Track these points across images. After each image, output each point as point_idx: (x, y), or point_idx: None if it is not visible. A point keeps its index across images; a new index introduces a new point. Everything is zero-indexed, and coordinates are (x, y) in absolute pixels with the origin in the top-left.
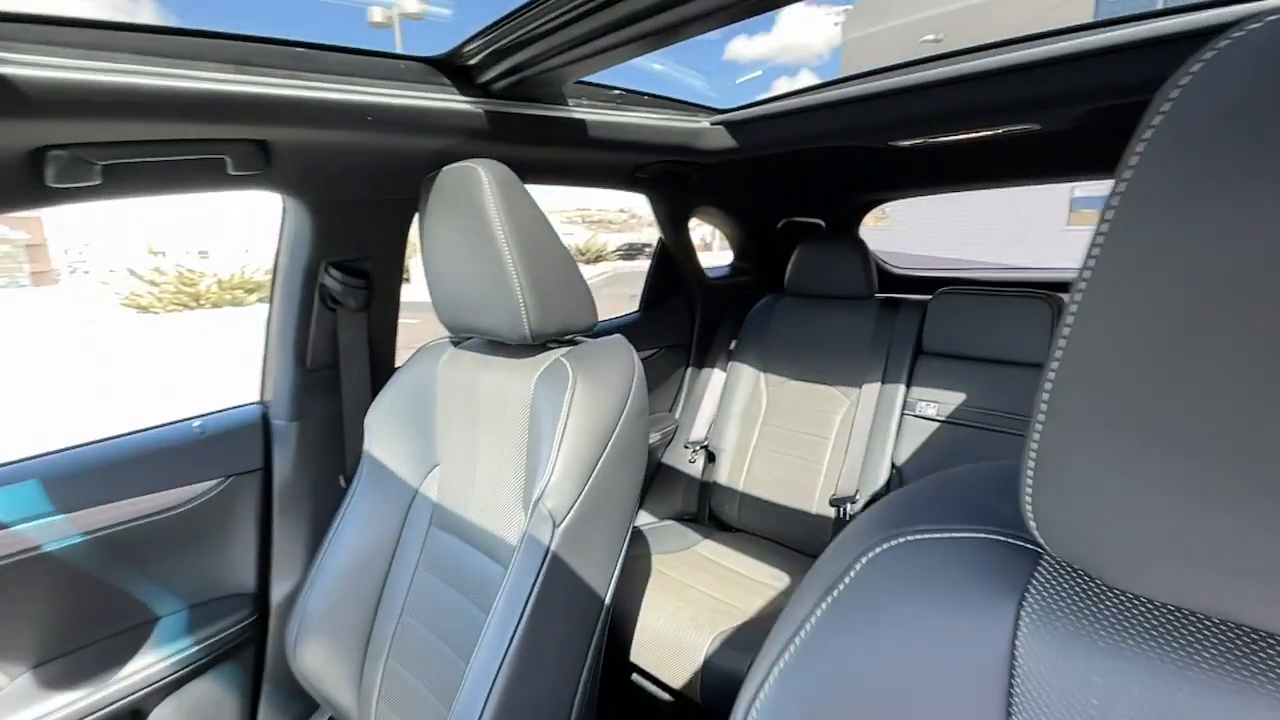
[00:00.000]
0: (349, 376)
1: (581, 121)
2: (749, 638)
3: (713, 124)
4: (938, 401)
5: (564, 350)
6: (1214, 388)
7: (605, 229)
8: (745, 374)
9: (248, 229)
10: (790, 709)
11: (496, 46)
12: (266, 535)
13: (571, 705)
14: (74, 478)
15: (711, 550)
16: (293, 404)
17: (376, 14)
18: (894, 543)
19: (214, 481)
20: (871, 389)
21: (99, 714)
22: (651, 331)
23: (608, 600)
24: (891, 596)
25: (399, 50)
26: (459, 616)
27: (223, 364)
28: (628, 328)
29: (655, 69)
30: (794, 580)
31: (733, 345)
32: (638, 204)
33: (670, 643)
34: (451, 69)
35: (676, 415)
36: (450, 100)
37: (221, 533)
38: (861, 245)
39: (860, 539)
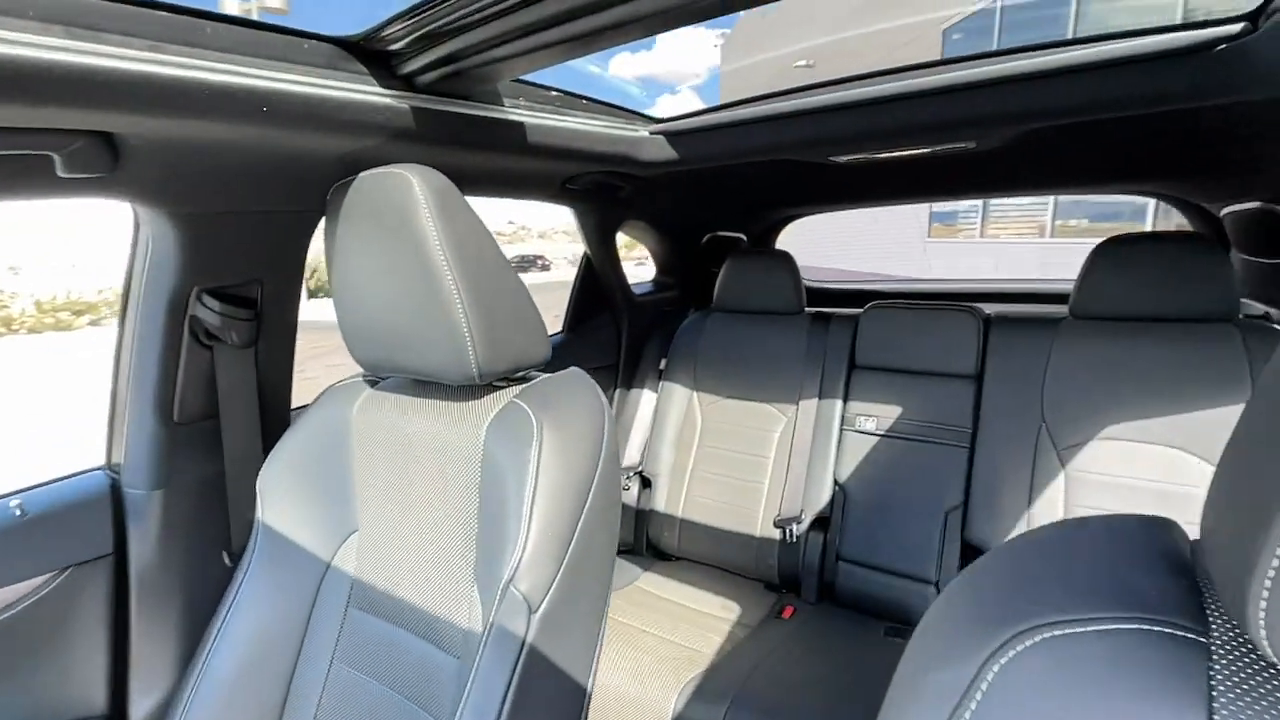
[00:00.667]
0: (233, 428)
1: (520, 125)
2: (717, 684)
3: (652, 133)
4: (875, 415)
5: (516, 390)
6: None
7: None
8: (678, 394)
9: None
10: None
11: (424, 31)
12: (122, 639)
13: None
14: None
15: (654, 584)
16: (155, 468)
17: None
18: (1029, 642)
19: (42, 578)
20: (809, 405)
21: None
22: (579, 352)
23: (589, 689)
24: None
25: (296, 27)
26: (389, 709)
27: (36, 408)
28: (556, 350)
29: (592, 71)
30: (744, 610)
31: (662, 364)
32: (527, 216)
33: (634, 701)
34: (367, 54)
35: None
36: (367, 92)
37: (57, 643)
38: (789, 260)
39: (977, 634)
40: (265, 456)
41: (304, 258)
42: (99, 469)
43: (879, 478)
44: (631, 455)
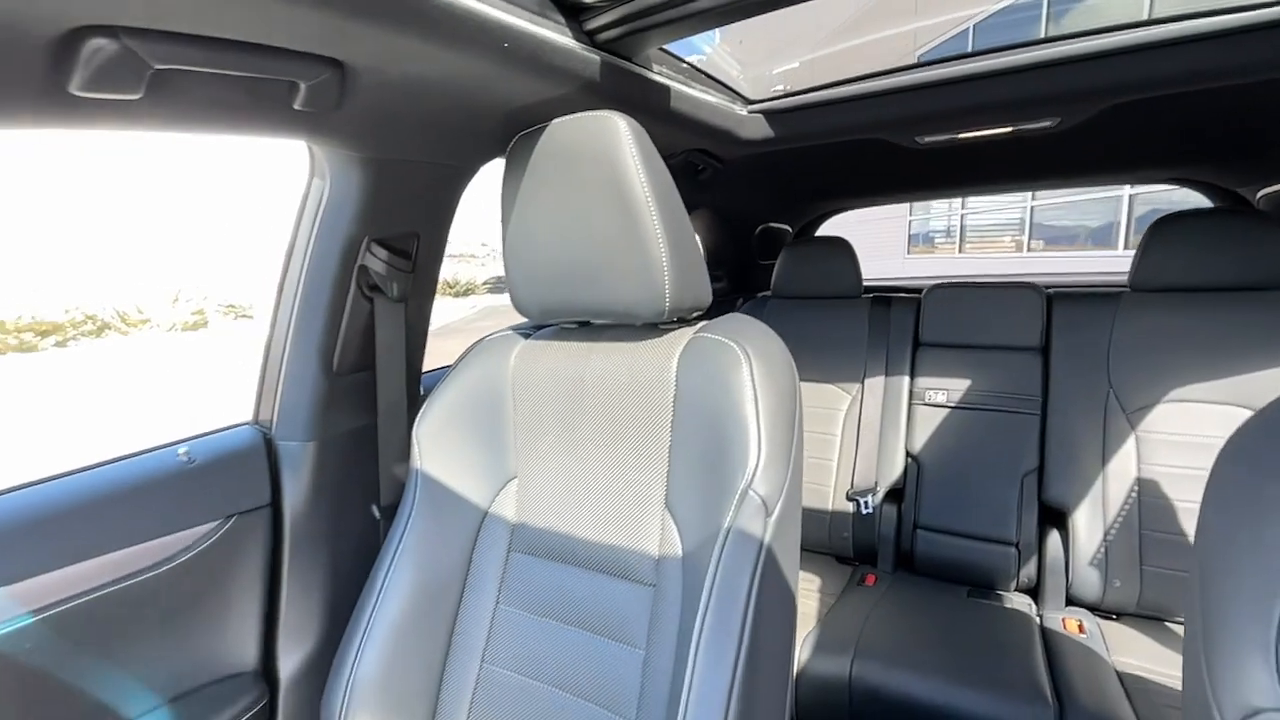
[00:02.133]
0: (386, 381)
1: (666, 89)
2: (834, 637)
3: (750, 113)
4: (945, 389)
5: (695, 328)
6: None
7: (466, 262)
8: None
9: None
10: None
11: None
12: (274, 592)
13: (784, 713)
14: (11, 535)
15: None
16: (311, 420)
17: None
18: None
19: (208, 526)
20: (875, 383)
21: None
22: None
23: (798, 598)
24: None
25: None
26: (580, 656)
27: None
28: None
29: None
30: (823, 581)
31: None
32: (497, 238)
33: None
34: (565, 6)
35: None
36: (566, 42)
37: (216, 594)
38: (849, 246)
39: None
40: (412, 409)
41: (453, 214)
42: (247, 424)
43: (953, 447)
44: None
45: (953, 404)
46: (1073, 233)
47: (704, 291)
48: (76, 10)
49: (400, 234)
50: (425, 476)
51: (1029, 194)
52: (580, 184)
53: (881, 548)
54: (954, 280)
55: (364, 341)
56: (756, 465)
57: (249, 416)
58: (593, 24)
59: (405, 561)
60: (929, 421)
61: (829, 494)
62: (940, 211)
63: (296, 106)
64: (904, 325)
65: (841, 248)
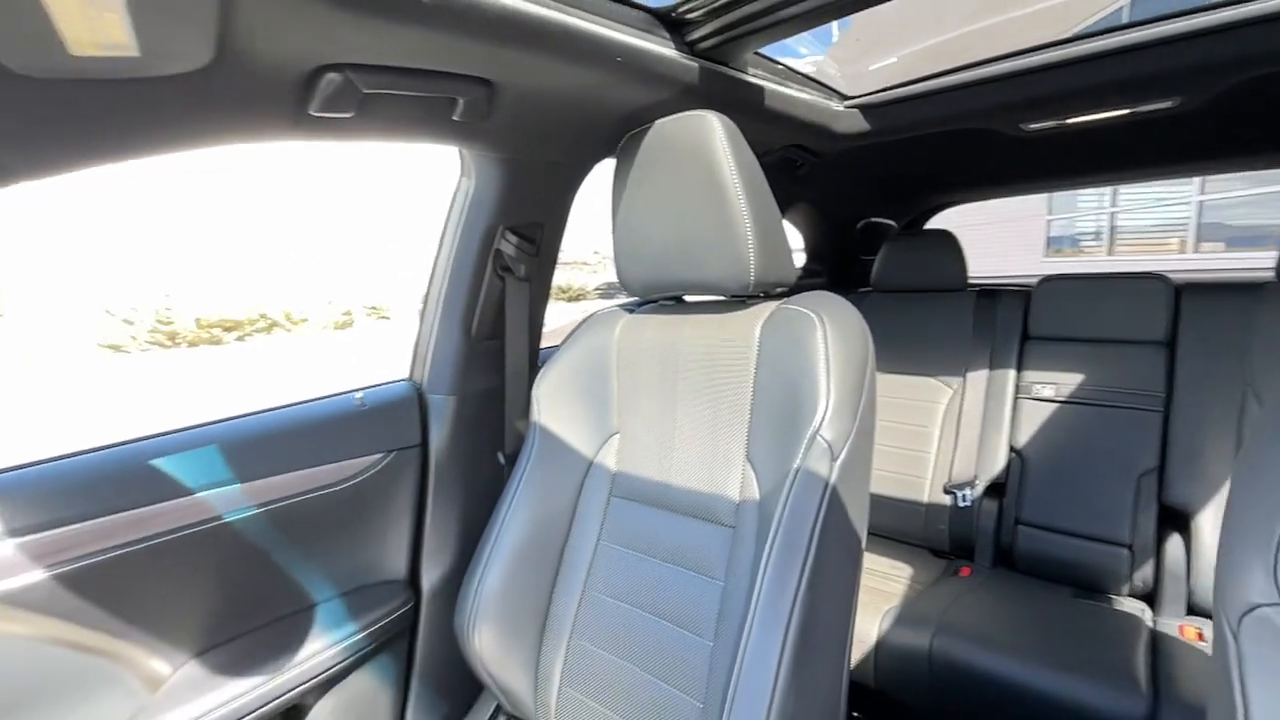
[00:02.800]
0: (513, 347)
1: (760, 89)
2: (917, 613)
3: (846, 107)
4: (1054, 383)
5: (778, 301)
6: None
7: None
8: None
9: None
10: None
11: (715, 4)
12: (420, 517)
13: (844, 657)
14: (245, 447)
15: None
16: (453, 377)
17: None
18: None
19: (376, 456)
20: (977, 376)
21: (261, 710)
22: None
23: (864, 544)
24: None
25: None
26: (668, 586)
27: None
28: None
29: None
30: (915, 571)
31: None
32: (609, 245)
33: None
34: (669, 22)
35: None
36: (668, 53)
37: (379, 512)
38: (954, 239)
39: None
40: (532, 373)
41: (570, 206)
42: (404, 380)
43: (1061, 443)
44: None
45: (1062, 399)
46: (1261, 233)
47: (787, 270)
48: (320, 54)
49: (528, 223)
50: (542, 430)
51: (1195, 189)
52: (679, 175)
53: (979, 542)
54: (1068, 273)
55: (496, 314)
56: (825, 414)
57: (406, 374)
58: (693, 35)
59: (522, 501)
60: (1035, 416)
61: (925, 486)
62: (1089, 208)
63: (455, 118)
64: (1011, 319)
65: (945, 241)
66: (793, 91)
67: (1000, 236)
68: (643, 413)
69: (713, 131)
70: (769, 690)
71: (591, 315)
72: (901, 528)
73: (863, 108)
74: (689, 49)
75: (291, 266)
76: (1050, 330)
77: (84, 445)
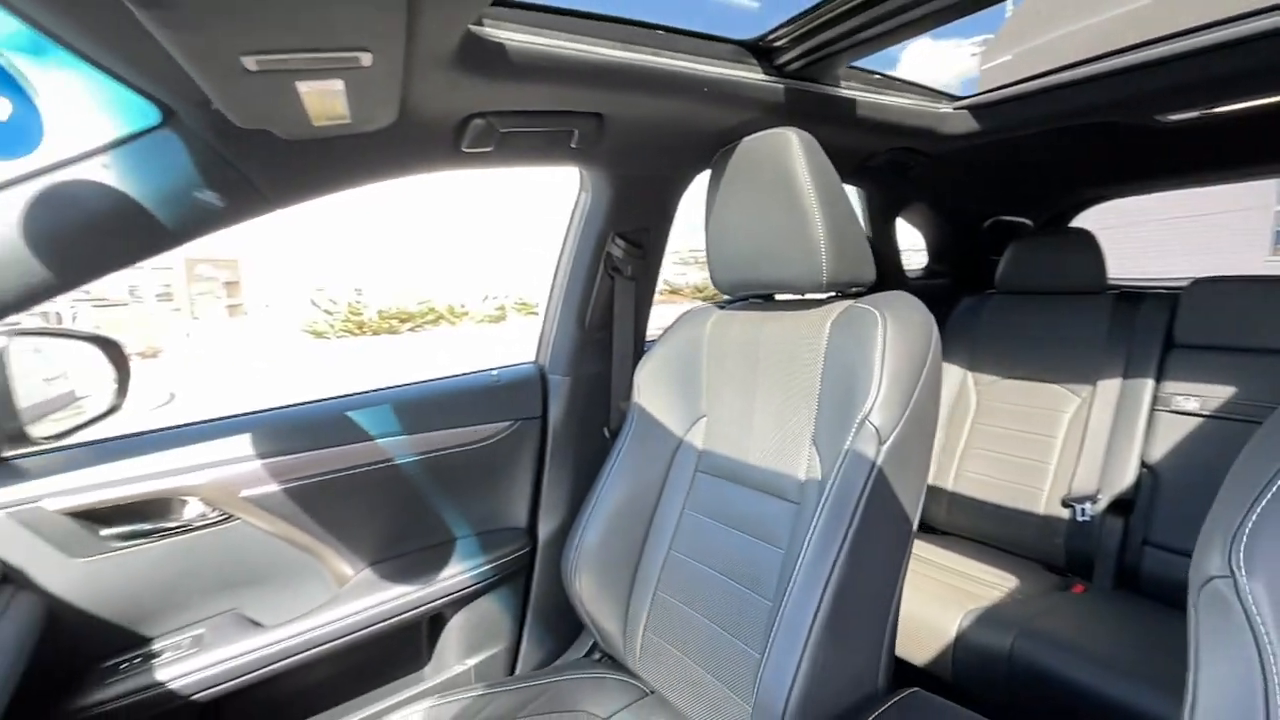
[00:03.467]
0: (620, 337)
1: (851, 101)
2: (1002, 616)
3: (956, 109)
4: (1200, 395)
5: (852, 300)
6: None
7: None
8: (951, 374)
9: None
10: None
11: (801, 30)
12: (539, 477)
13: (884, 636)
14: (410, 407)
15: (924, 551)
16: (568, 361)
17: None
18: None
19: (505, 424)
20: (1109, 385)
21: (413, 612)
22: None
23: (915, 525)
24: None
25: (714, 33)
26: (738, 551)
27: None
28: None
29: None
30: (1022, 583)
31: None
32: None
33: (915, 618)
34: (756, 50)
35: None
36: (754, 78)
37: (506, 470)
38: (1090, 238)
39: None
40: (635, 360)
41: (674, 213)
42: (530, 363)
43: (1204, 460)
44: None
45: (1207, 413)
46: None
47: (861, 271)
48: (469, 107)
49: (634, 229)
50: (640, 411)
51: None
52: (761, 187)
53: (1100, 560)
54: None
55: (605, 308)
56: (875, 401)
57: (532, 358)
58: (781, 59)
59: (620, 472)
60: (1174, 430)
61: (1041, 497)
62: None
63: (573, 145)
64: (1153, 324)
65: (1081, 240)
66: (890, 98)
67: (1202, 231)
68: (727, 399)
69: (790, 147)
70: (803, 639)
71: (687, 311)
72: (1014, 538)
73: (973, 108)
74: (778, 71)
75: (455, 267)
76: (1200, 338)
77: (307, 399)
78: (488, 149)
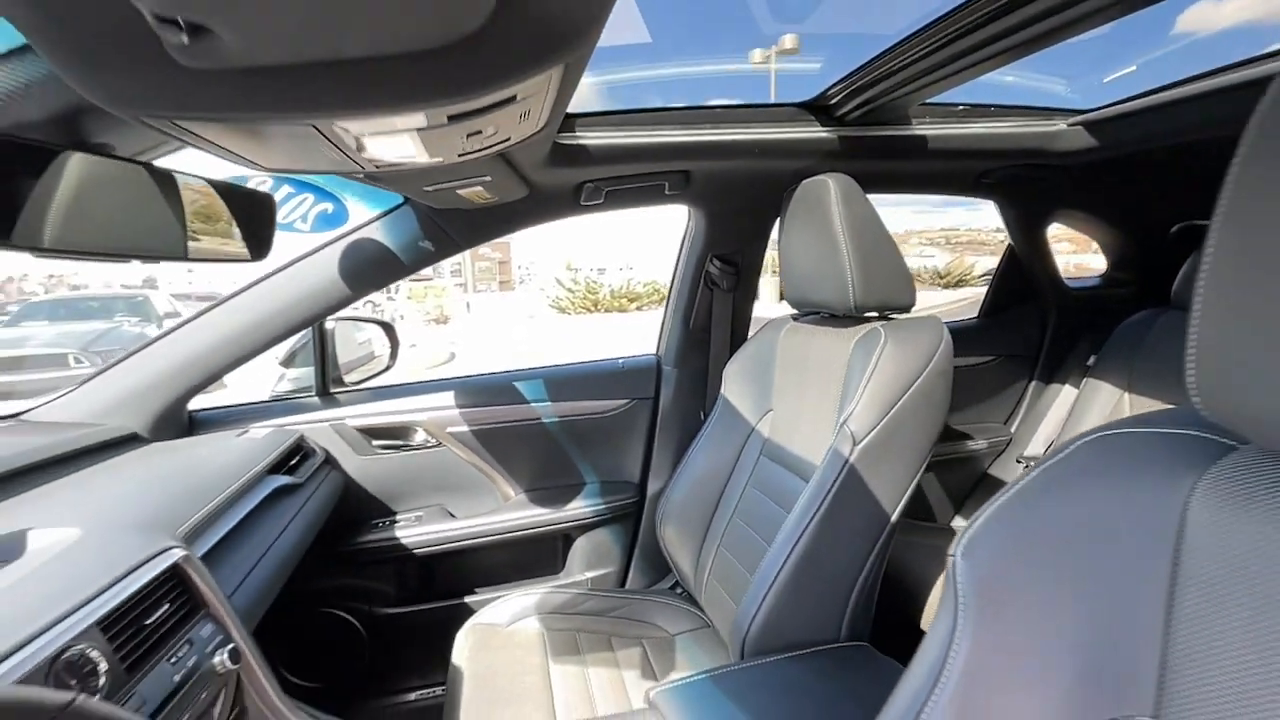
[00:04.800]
0: (717, 339)
1: (923, 137)
2: None
3: (1070, 125)
4: None
5: (880, 322)
6: None
7: (974, 250)
8: (1105, 392)
9: (631, 252)
10: (986, 548)
11: (855, 86)
12: (650, 446)
13: (848, 598)
14: (554, 383)
15: None
16: (677, 355)
17: (756, 55)
18: (1107, 434)
19: (625, 401)
20: None
21: (550, 529)
22: (991, 338)
23: (893, 519)
24: (1087, 473)
25: (775, 100)
26: (773, 520)
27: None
28: (963, 332)
29: (1005, 81)
30: None
31: (1091, 360)
32: None
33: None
34: (815, 108)
35: (1011, 429)
36: (813, 132)
37: (624, 436)
38: None
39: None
40: (728, 358)
41: (767, 238)
42: (651, 355)
43: None
44: (1036, 447)
45: None
46: None
47: (894, 296)
48: (580, 179)
49: (728, 251)
50: (725, 402)
51: None
52: (808, 224)
53: None
54: None
55: (706, 315)
56: (854, 407)
57: (653, 350)
58: (840, 112)
59: (704, 449)
60: None
61: None
62: None
63: (666, 193)
64: None
65: None
66: (976, 127)
67: None
68: (787, 397)
69: (826, 192)
70: (768, 586)
71: (770, 321)
72: None
73: (1089, 124)
74: (837, 123)
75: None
76: None
77: (497, 369)
78: (599, 201)
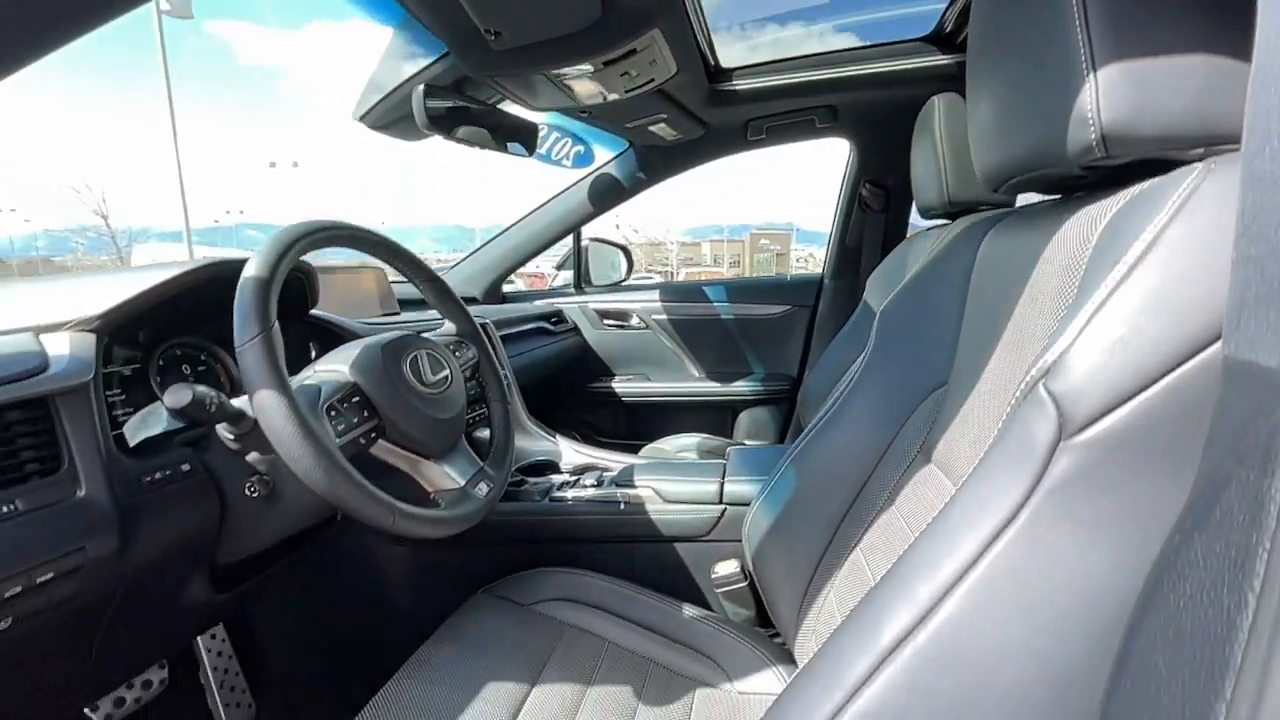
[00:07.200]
0: (867, 256)
1: None
2: None
3: None
4: None
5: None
6: None
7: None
8: None
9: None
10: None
11: (964, 5)
12: (807, 345)
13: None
14: (736, 289)
15: None
16: (834, 270)
17: None
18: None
19: (788, 307)
20: None
21: (721, 399)
22: None
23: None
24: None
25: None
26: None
27: None
28: None
29: None
30: None
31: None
32: None
33: None
34: (936, 39)
35: None
36: (934, 61)
37: (785, 334)
38: None
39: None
40: (873, 272)
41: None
42: (817, 273)
43: None
44: None
45: None
46: None
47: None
48: (744, 117)
49: (877, 176)
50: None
51: None
52: (919, 138)
53: None
54: None
55: (859, 233)
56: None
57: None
58: (960, 39)
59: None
60: None
61: None
62: None
63: (817, 127)
64: None
65: None
66: None
67: None
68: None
69: (932, 110)
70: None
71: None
72: None
73: None
74: (958, 49)
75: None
76: None
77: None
78: (762, 136)
